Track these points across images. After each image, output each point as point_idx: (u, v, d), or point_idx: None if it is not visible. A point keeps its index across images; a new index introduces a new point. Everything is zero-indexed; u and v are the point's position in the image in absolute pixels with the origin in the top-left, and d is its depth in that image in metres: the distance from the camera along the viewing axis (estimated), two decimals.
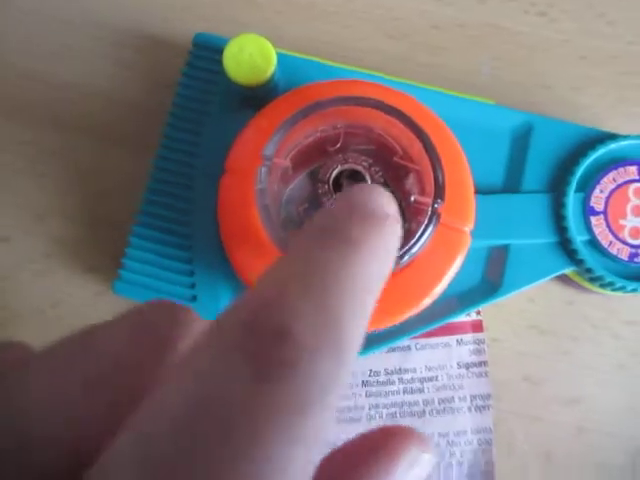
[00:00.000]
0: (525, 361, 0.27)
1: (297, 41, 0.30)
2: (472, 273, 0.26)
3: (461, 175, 0.21)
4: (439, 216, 0.19)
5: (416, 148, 0.19)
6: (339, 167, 0.20)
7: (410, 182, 0.20)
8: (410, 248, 0.19)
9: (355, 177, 0.20)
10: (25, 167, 0.29)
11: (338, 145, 0.20)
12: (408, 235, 0.19)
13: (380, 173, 0.20)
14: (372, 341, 0.25)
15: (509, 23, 0.30)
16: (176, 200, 0.26)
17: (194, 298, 0.25)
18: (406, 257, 0.19)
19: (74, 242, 0.28)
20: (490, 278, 0.26)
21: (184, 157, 0.26)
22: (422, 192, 0.19)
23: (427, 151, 0.19)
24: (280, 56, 0.26)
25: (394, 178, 0.20)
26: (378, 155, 0.21)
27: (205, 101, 0.26)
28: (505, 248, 0.26)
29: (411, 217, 0.20)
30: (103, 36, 0.30)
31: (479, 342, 0.25)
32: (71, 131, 0.29)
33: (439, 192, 0.19)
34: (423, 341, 0.25)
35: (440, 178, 0.19)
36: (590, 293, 0.27)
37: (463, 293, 0.26)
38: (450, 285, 0.24)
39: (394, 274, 0.21)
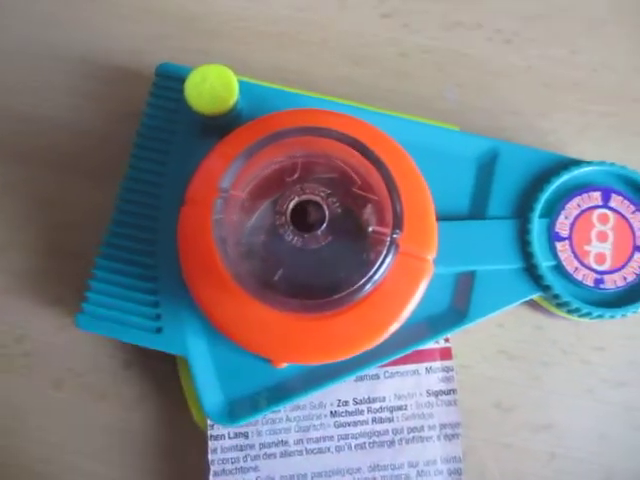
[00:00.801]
0: (495, 387, 0.27)
1: (265, 71, 0.30)
2: (439, 300, 0.26)
3: (423, 204, 0.21)
4: (398, 246, 0.19)
5: (375, 178, 0.19)
6: (296, 198, 0.20)
7: (369, 212, 0.20)
8: (371, 277, 0.19)
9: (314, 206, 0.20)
10: None
11: (296, 175, 0.20)
12: (368, 264, 0.19)
13: (337, 203, 0.20)
14: (341, 370, 0.25)
15: (474, 50, 0.31)
16: (141, 231, 0.26)
17: (159, 330, 0.25)
18: (368, 285, 0.19)
19: (35, 275, 0.28)
20: (458, 305, 0.25)
21: (149, 187, 0.26)
22: (382, 222, 0.19)
23: (385, 182, 0.19)
24: (244, 84, 0.26)
25: (353, 207, 0.20)
26: (338, 185, 0.20)
27: (169, 131, 0.26)
28: (472, 274, 0.25)
29: (370, 247, 0.20)
30: (68, 69, 0.30)
31: (448, 370, 0.25)
32: (34, 163, 0.29)
33: (397, 222, 0.19)
34: (392, 369, 0.25)
35: (398, 209, 0.19)
36: (559, 318, 0.27)
37: (431, 320, 0.26)
38: (418, 312, 0.24)
39: (359, 303, 0.21)
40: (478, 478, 0.27)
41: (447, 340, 0.26)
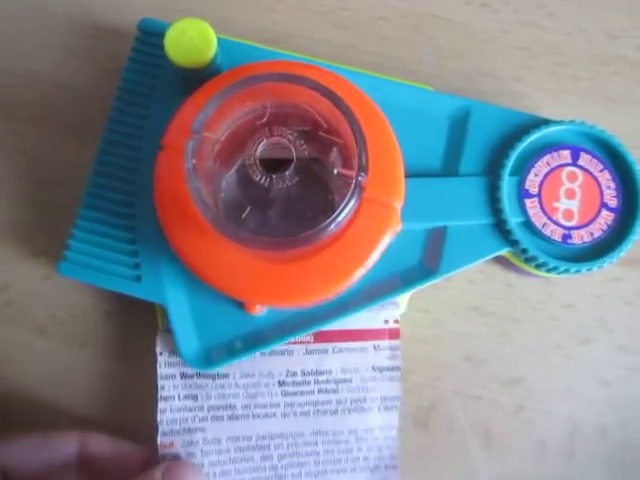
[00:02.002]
0: (466, 342, 0.28)
1: (247, 31, 0.31)
2: (411, 254, 0.26)
3: (390, 154, 0.22)
4: (362, 189, 0.20)
5: (342, 124, 0.20)
6: (264, 140, 0.21)
7: (335, 155, 0.21)
8: (335, 217, 0.19)
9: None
10: None
11: (264, 119, 0.21)
12: (333, 206, 0.20)
13: (304, 146, 0.21)
14: (312, 320, 0.25)
15: (452, 14, 0.31)
16: (121, 182, 0.26)
17: (138, 278, 0.25)
18: (332, 225, 0.19)
19: (21, 227, 0.28)
20: (429, 259, 0.26)
21: (129, 140, 0.27)
22: (348, 166, 0.20)
23: (351, 127, 0.19)
24: (224, 42, 0.26)
25: (320, 151, 0.21)
26: (307, 131, 0.21)
27: (150, 85, 0.27)
28: (443, 230, 0.26)
29: (336, 189, 0.20)
30: (51, 24, 0.31)
31: (394, 349, 0.26)
32: (17, 118, 0.29)
33: (362, 166, 0.19)
34: (341, 345, 0.26)
35: (363, 153, 0.19)
36: (529, 276, 0.28)
37: (403, 274, 0.26)
38: (389, 265, 0.25)
39: (326, 246, 0.21)
40: (446, 428, 0.28)
41: (397, 322, 0.26)
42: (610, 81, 0.30)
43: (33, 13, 0.31)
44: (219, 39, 0.26)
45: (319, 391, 0.26)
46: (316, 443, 0.26)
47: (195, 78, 0.25)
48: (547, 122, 0.27)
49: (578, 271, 0.26)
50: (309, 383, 0.26)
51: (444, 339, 0.28)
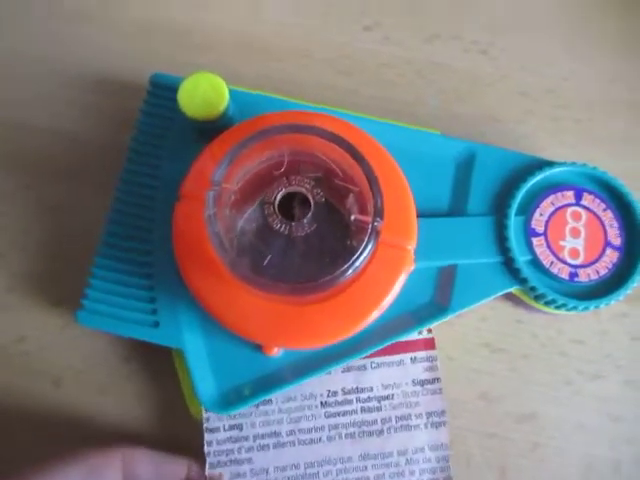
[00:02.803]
0: (478, 378, 0.28)
1: (254, 80, 0.32)
2: (423, 292, 0.27)
3: (402, 198, 0.23)
4: (378, 234, 0.20)
5: (356, 171, 0.21)
6: (283, 189, 0.21)
7: (351, 202, 0.21)
8: (353, 262, 0.20)
9: (302, 199, 0.22)
10: None
11: (283, 169, 0.21)
12: (351, 251, 0.20)
13: (321, 194, 0.22)
14: (329, 359, 0.26)
15: (452, 61, 0.32)
16: (137, 230, 0.27)
17: (156, 324, 0.26)
18: (350, 271, 0.20)
19: (37, 278, 0.29)
20: (440, 297, 0.27)
21: (143, 190, 0.27)
22: (364, 212, 0.21)
23: (366, 174, 0.20)
24: (235, 93, 0.27)
25: (337, 199, 0.22)
26: (323, 179, 0.22)
27: (163, 136, 0.28)
28: (453, 268, 0.27)
29: (353, 235, 0.21)
30: (67, 82, 0.32)
31: (432, 359, 0.26)
32: (35, 172, 0.30)
33: (378, 212, 0.20)
34: (378, 359, 0.26)
35: (378, 199, 0.20)
36: (537, 313, 0.28)
37: (415, 311, 0.27)
38: (402, 304, 0.26)
39: (343, 289, 0.22)
40: (464, 466, 0.28)
41: (430, 331, 0.27)
42: (607, 122, 0.31)
43: (48, 73, 0.32)
44: (230, 90, 0.26)
45: (362, 410, 0.26)
46: (365, 468, 0.26)
47: (207, 129, 0.26)
48: (550, 164, 0.28)
49: (586, 308, 0.26)
50: (351, 402, 0.26)
51: (456, 376, 0.28)
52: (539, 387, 0.28)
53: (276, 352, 0.25)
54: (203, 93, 0.26)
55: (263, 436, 0.26)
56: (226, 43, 0.32)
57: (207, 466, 0.25)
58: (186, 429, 0.27)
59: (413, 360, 0.26)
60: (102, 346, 0.28)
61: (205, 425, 0.26)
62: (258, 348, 0.25)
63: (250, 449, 0.26)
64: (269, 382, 0.26)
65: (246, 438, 0.26)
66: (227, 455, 0.25)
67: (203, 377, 0.26)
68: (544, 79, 0.32)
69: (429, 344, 0.27)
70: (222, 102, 0.26)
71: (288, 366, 0.26)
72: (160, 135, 0.28)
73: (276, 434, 0.26)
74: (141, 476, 0.24)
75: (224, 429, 0.26)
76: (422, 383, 0.26)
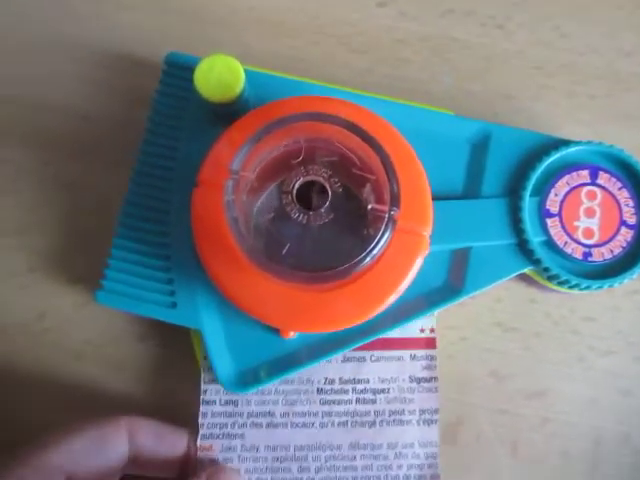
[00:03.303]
0: (491, 357, 0.29)
1: (267, 57, 0.31)
2: (437, 274, 0.27)
3: (419, 185, 0.23)
4: (395, 222, 0.20)
5: (373, 160, 0.21)
6: (301, 179, 0.22)
7: (368, 191, 0.21)
8: (370, 251, 0.20)
9: (319, 187, 0.22)
10: (4, 185, 0.30)
11: (300, 158, 0.21)
12: (368, 239, 0.21)
13: (339, 183, 0.22)
14: (344, 340, 0.26)
15: (468, 36, 0.32)
16: (153, 212, 0.27)
17: (174, 305, 0.26)
18: (368, 258, 0.20)
19: (56, 255, 0.29)
20: (454, 279, 0.27)
21: (160, 171, 0.27)
22: (380, 200, 0.21)
23: (382, 163, 0.20)
24: (250, 73, 0.27)
25: (354, 187, 0.22)
26: (339, 166, 0.22)
27: (179, 117, 0.28)
28: (467, 250, 0.27)
29: (370, 223, 0.21)
30: (80, 58, 0.31)
31: (431, 358, 0.27)
32: (51, 149, 0.30)
33: (394, 200, 0.20)
34: (378, 353, 0.27)
35: (395, 188, 0.20)
36: (551, 292, 0.29)
37: (430, 294, 0.27)
38: (417, 287, 0.26)
39: (361, 274, 0.22)
40: (475, 441, 0.28)
41: (432, 330, 0.27)
42: (624, 97, 0.31)
43: (63, 48, 0.32)
44: (245, 71, 0.26)
45: (357, 401, 0.27)
46: (354, 457, 0.26)
47: (223, 110, 0.26)
48: (566, 143, 0.28)
49: (600, 287, 0.27)
50: (347, 392, 0.27)
51: (470, 355, 0.29)
52: (551, 364, 0.29)
53: (293, 335, 0.26)
54: (219, 75, 0.26)
55: (257, 414, 0.26)
56: (240, 19, 0.32)
57: (199, 437, 0.26)
58: (198, 406, 0.27)
59: (412, 357, 0.27)
60: (120, 324, 0.29)
61: (202, 397, 0.26)
62: (275, 330, 0.26)
63: (243, 425, 0.26)
64: (285, 363, 0.26)
65: (240, 414, 0.26)
66: (220, 428, 0.26)
67: (221, 357, 0.26)
68: (560, 53, 0.32)
69: (430, 343, 0.27)
70: (238, 84, 0.25)
71: (304, 348, 0.27)
72: (176, 116, 0.28)
73: (270, 414, 0.26)
74: (144, 446, 0.24)
75: (220, 403, 0.26)
76: (419, 380, 0.27)
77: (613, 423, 0.29)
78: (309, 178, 0.22)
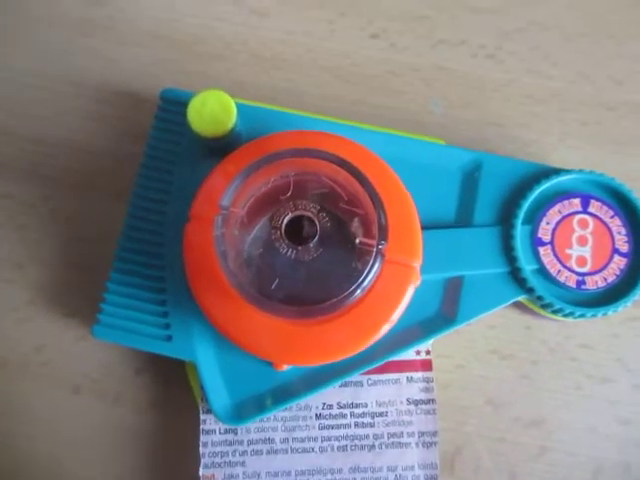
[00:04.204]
0: (487, 385, 0.29)
1: (260, 90, 0.32)
2: (430, 304, 0.27)
3: (407, 216, 0.23)
4: (383, 255, 0.21)
5: (361, 194, 0.21)
6: (289, 214, 0.22)
7: (356, 225, 0.22)
8: (359, 284, 0.20)
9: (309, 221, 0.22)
10: (5, 220, 0.30)
11: (289, 193, 0.22)
12: (357, 273, 0.21)
13: (327, 218, 0.22)
14: (340, 371, 0.26)
15: (459, 65, 0.32)
16: (149, 245, 0.27)
17: (169, 338, 0.26)
18: (357, 292, 0.20)
19: (54, 288, 0.30)
20: (447, 308, 0.27)
21: (155, 205, 0.28)
22: (369, 233, 0.21)
23: (370, 197, 0.20)
24: (243, 107, 0.28)
25: (342, 222, 0.22)
26: (327, 201, 0.22)
27: (173, 152, 0.28)
28: (460, 279, 0.27)
29: (359, 257, 0.21)
30: (82, 94, 0.32)
31: (428, 380, 0.27)
32: (51, 183, 0.31)
33: (382, 234, 0.20)
34: (375, 377, 0.27)
35: (383, 222, 0.20)
36: (547, 319, 0.29)
37: (423, 323, 0.27)
38: (410, 316, 0.26)
39: (352, 307, 0.22)
40: (473, 471, 0.28)
41: (428, 352, 0.27)
42: (615, 125, 0.31)
43: (64, 84, 0.32)
44: (237, 104, 0.27)
45: (355, 425, 0.27)
46: None
47: (216, 145, 0.27)
48: (557, 171, 0.28)
49: (594, 316, 0.27)
50: (345, 416, 0.27)
51: (466, 383, 0.29)
52: (548, 392, 0.29)
53: (287, 367, 0.26)
54: (211, 110, 0.26)
55: (257, 442, 0.27)
56: (234, 53, 0.33)
57: (201, 466, 0.26)
58: (196, 438, 0.27)
59: (409, 380, 0.27)
60: (117, 357, 0.29)
61: (202, 427, 0.26)
62: (270, 362, 0.26)
63: (244, 453, 0.26)
64: (282, 394, 0.26)
65: (240, 442, 0.26)
66: (221, 457, 0.26)
67: (216, 389, 0.26)
68: (551, 82, 0.32)
69: (426, 365, 0.27)
70: (230, 119, 0.26)
71: (301, 378, 0.27)
72: (171, 150, 0.29)
73: (270, 440, 0.27)
74: None
75: (220, 432, 0.27)
76: (416, 403, 0.27)
77: (613, 453, 0.28)
78: (298, 213, 0.22)
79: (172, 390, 0.28)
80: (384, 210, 0.21)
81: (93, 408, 0.28)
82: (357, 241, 0.21)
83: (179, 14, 0.33)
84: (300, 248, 0.22)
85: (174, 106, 0.29)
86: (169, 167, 0.28)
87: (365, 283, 0.20)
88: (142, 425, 0.28)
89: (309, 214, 0.22)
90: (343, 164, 0.21)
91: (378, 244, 0.20)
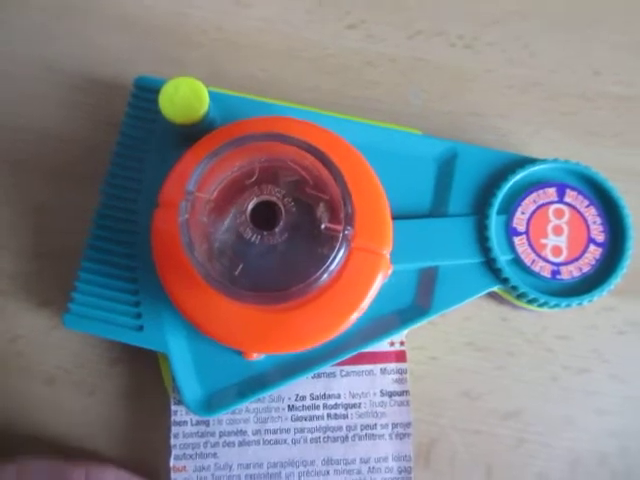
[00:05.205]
0: (464, 377, 0.29)
1: (238, 79, 0.32)
2: (404, 294, 0.27)
3: (377, 203, 0.23)
4: (350, 241, 0.20)
5: (328, 179, 0.21)
6: (255, 199, 0.22)
7: (321, 210, 0.21)
8: (325, 270, 0.20)
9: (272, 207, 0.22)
10: None
11: (254, 178, 0.21)
12: (323, 259, 0.21)
13: (292, 203, 0.22)
14: (313, 361, 0.26)
15: (437, 56, 0.32)
16: (121, 234, 0.27)
17: (140, 328, 0.26)
18: (323, 278, 0.20)
19: (26, 277, 0.29)
20: (421, 298, 0.27)
21: (127, 193, 0.27)
22: (336, 219, 0.21)
23: (336, 182, 0.20)
24: (216, 95, 0.27)
25: (308, 206, 0.22)
26: (294, 186, 0.22)
27: (146, 139, 0.28)
28: (435, 269, 0.27)
29: (325, 242, 0.21)
30: (56, 81, 0.32)
31: (402, 372, 0.27)
32: (22, 170, 0.30)
33: (348, 220, 0.20)
34: (348, 368, 0.27)
35: (349, 207, 0.20)
36: (522, 310, 0.29)
37: (397, 313, 0.27)
38: (384, 304, 0.26)
39: (319, 295, 0.22)
40: (448, 463, 0.28)
41: (402, 343, 0.27)
42: (593, 116, 0.31)
43: (37, 70, 0.32)
44: (211, 92, 0.27)
45: (328, 416, 0.27)
46: (328, 473, 0.26)
47: (189, 132, 0.26)
48: (532, 161, 0.28)
49: (568, 305, 0.26)
50: (318, 407, 0.27)
51: (441, 375, 0.29)
52: (525, 384, 0.29)
53: (258, 356, 0.25)
54: (183, 97, 0.26)
55: (229, 433, 0.26)
56: (211, 41, 0.32)
57: (172, 457, 0.26)
58: (169, 427, 0.27)
59: (383, 371, 0.27)
60: (91, 347, 0.29)
61: (172, 418, 0.26)
62: (241, 352, 0.26)
63: (215, 444, 0.26)
64: (255, 384, 0.26)
65: (212, 434, 0.26)
66: (193, 448, 0.26)
67: (188, 380, 0.26)
68: (530, 71, 0.32)
69: (400, 356, 0.27)
70: (202, 106, 0.26)
71: (274, 368, 0.26)
72: (144, 138, 0.28)
73: (242, 432, 0.26)
74: None
75: (191, 423, 0.26)
76: (390, 394, 0.27)
77: (589, 443, 0.28)
78: (262, 198, 0.22)
79: (146, 381, 0.28)
80: (350, 195, 0.20)
81: (67, 400, 0.28)
82: (322, 226, 0.21)
83: (156, 1, 0.33)
84: (265, 233, 0.21)
85: (148, 93, 0.29)
86: (142, 155, 0.28)
87: (331, 269, 0.20)
88: (116, 416, 0.28)
89: (274, 199, 0.21)
90: (309, 149, 0.21)
91: (344, 229, 0.20)
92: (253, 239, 0.21)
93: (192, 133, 0.26)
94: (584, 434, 0.28)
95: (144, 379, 0.28)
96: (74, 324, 0.26)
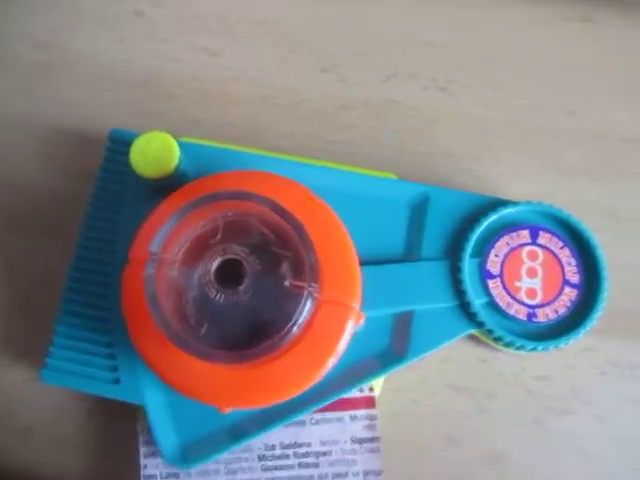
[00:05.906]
0: (444, 420, 0.28)
1: (214, 128, 0.32)
2: (380, 340, 0.27)
3: (345, 256, 0.23)
4: (315, 297, 0.20)
5: (292, 236, 0.21)
6: (218, 258, 0.22)
7: (285, 268, 0.21)
8: (291, 327, 0.20)
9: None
10: None
11: (218, 237, 0.22)
12: (289, 315, 0.21)
13: (257, 261, 0.22)
14: (289, 409, 0.26)
15: (411, 99, 0.32)
16: (96, 287, 0.27)
17: (117, 381, 0.26)
18: (290, 334, 0.20)
19: (2, 330, 0.29)
20: (397, 343, 0.27)
21: (102, 246, 0.28)
22: (301, 274, 0.21)
23: (300, 239, 0.20)
24: (188, 145, 0.28)
25: (273, 264, 0.22)
26: (258, 244, 0.22)
27: (120, 192, 0.28)
28: (410, 314, 0.27)
29: (290, 299, 0.21)
30: (30, 133, 0.32)
31: (372, 418, 0.26)
32: None
33: (312, 276, 0.20)
34: (317, 416, 0.26)
35: (313, 264, 0.20)
36: (501, 351, 0.28)
37: (373, 358, 0.27)
38: (359, 352, 0.26)
39: (288, 348, 0.22)
40: None
41: (371, 389, 0.27)
42: (568, 156, 0.31)
43: (12, 123, 0.32)
44: (184, 143, 0.27)
45: (299, 465, 0.26)
46: None
47: (161, 185, 0.27)
48: (505, 203, 0.28)
49: (545, 349, 0.26)
50: (289, 457, 0.26)
51: (421, 418, 0.28)
52: (507, 427, 0.28)
53: (231, 410, 0.25)
54: (154, 151, 0.26)
55: None
56: (185, 91, 0.33)
57: None
58: None
59: (353, 418, 0.27)
60: (68, 399, 0.29)
61: (142, 472, 0.26)
62: None
63: None
64: (231, 435, 0.26)
65: None
66: None
67: (164, 432, 0.26)
68: (502, 114, 0.32)
69: (370, 402, 0.27)
70: (173, 160, 0.26)
71: (250, 419, 0.26)
72: (118, 191, 0.29)
73: None
74: None
75: (161, 476, 0.26)
76: (360, 441, 0.26)
77: None
78: (227, 257, 0.22)
79: (122, 432, 0.28)
80: (314, 251, 0.21)
81: (43, 453, 0.28)
82: (286, 283, 0.21)
83: (131, 54, 0.34)
84: (230, 292, 0.22)
85: (122, 146, 0.29)
86: (116, 208, 0.28)
87: (297, 326, 0.20)
88: (90, 469, 0.28)
89: (238, 257, 0.22)
90: (271, 205, 0.21)
91: (308, 287, 0.20)
92: (217, 298, 0.22)
93: (164, 186, 0.27)
94: (569, 477, 0.28)
95: (121, 430, 0.28)
96: (51, 379, 0.26)
